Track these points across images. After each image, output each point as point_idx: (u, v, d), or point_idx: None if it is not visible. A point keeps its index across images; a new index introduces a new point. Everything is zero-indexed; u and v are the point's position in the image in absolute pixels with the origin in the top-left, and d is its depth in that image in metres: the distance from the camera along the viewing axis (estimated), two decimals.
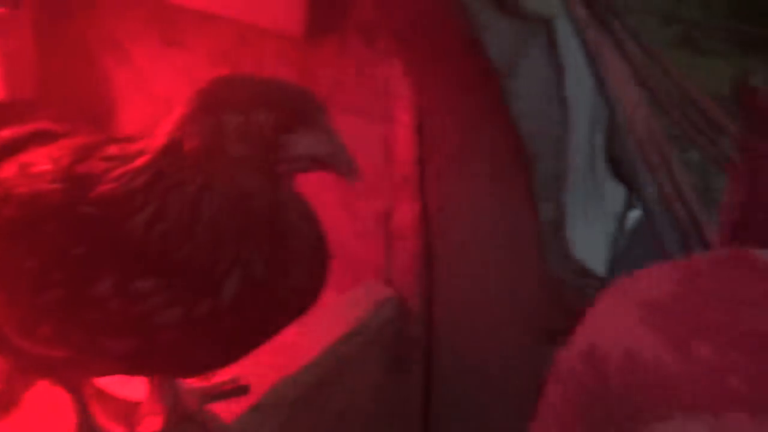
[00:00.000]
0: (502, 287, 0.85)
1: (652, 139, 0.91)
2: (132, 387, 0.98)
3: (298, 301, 0.50)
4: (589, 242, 0.88)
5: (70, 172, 0.47)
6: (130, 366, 0.49)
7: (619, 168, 0.92)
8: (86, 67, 1.33)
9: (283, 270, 0.46)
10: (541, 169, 0.74)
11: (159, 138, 0.44)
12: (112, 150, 0.47)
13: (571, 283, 0.80)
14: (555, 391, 0.51)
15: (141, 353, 0.45)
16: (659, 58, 1.26)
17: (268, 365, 0.77)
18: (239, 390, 0.72)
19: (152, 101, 1.24)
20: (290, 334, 0.84)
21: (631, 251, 0.92)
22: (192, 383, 0.71)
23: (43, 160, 0.49)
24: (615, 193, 1.06)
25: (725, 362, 0.37)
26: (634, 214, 1.06)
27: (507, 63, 0.62)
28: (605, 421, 0.46)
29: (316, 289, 0.51)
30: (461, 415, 0.97)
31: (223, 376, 0.74)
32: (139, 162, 0.44)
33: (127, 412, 0.85)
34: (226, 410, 0.70)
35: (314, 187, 1.03)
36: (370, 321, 0.90)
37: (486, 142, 0.71)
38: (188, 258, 0.43)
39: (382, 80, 0.86)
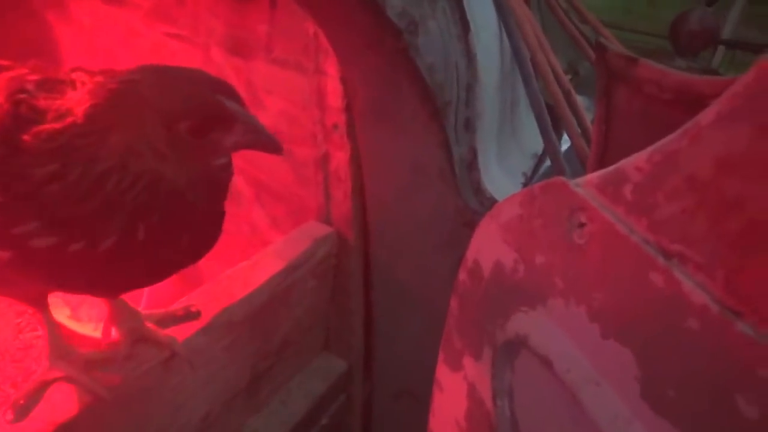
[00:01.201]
0: (426, 218, 0.95)
1: (558, 81, 1.00)
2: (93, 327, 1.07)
3: (175, 262, 0.58)
4: (502, 178, 0.99)
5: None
6: (19, 275, 0.56)
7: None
8: (28, 23, 1.34)
9: (166, 238, 0.53)
10: (452, 115, 0.84)
11: (83, 113, 0.49)
12: (41, 102, 0.53)
13: (483, 213, 0.91)
14: (454, 303, 0.63)
15: (17, 264, 0.53)
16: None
17: (218, 294, 0.86)
18: (191, 315, 0.81)
19: (94, 55, 1.28)
20: (240, 268, 0.94)
21: None
22: (149, 310, 0.80)
23: None
24: (536, 134, 1.16)
25: (552, 267, 0.47)
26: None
27: (409, 21, 0.70)
28: (487, 320, 0.57)
29: (195, 253, 0.59)
30: (398, 335, 1.09)
31: (177, 304, 0.83)
32: (60, 125, 0.50)
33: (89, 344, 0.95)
34: (179, 333, 0.80)
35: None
36: (311, 255, 1.00)
37: (400, 92, 0.79)
38: (73, 215, 0.50)
39: (311, 35, 0.92)
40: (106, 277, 0.55)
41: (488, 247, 0.56)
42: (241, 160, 1.15)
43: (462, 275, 0.61)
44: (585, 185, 0.43)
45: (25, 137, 0.51)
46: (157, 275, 0.59)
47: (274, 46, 1.03)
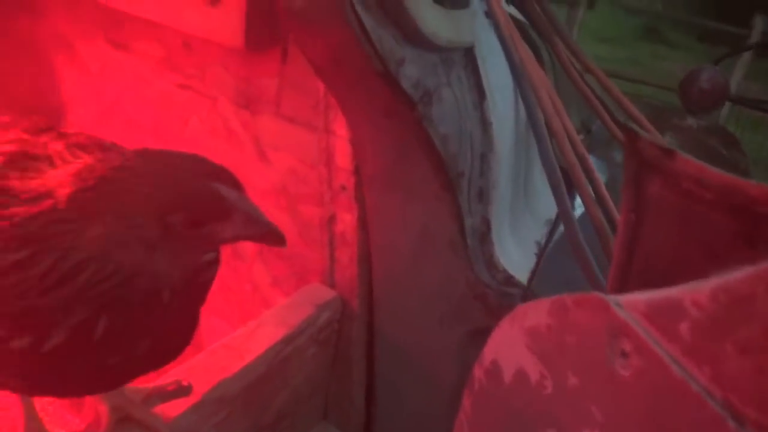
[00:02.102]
0: (434, 290, 0.91)
1: (572, 145, 0.97)
2: None
3: (128, 370, 0.53)
4: (515, 250, 0.94)
5: None
6: None
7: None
8: (35, 65, 1.33)
9: (124, 341, 0.49)
10: (465, 185, 0.80)
11: (65, 198, 0.45)
12: (13, 182, 0.48)
13: (495, 288, 0.86)
14: (467, 401, 0.58)
15: None
16: (582, 58, 1.34)
17: (211, 367, 0.81)
18: (182, 391, 0.76)
19: (100, 101, 1.26)
20: (235, 336, 0.89)
21: (556, 258, 0.98)
22: (136, 385, 0.75)
23: None
24: (550, 200, 1.13)
25: (588, 394, 0.43)
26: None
27: (424, 92, 0.67)
28: (502, 428, 0.52)
29: (157, 362, 0.54)
30: (400, 409, 1.03)
31: (166, 378, 0.78)
32: (35, 209, 0.46)
33: (80, 406, 0.89)
34: (169, 410, 0.74)
35: (260, 193, 1.08)
36: (313, 322, 0.95)
37: (411, 160, 0.76)
38: (30, 308, 0.45)
39: (322, 93, 0.90)
40: (48, 380, 0.50)
41: (510, 350, 0.51)
42: None
43: (478, 372, 0.56)
44: (629, 308, 0.38)
45: None
46: (106, 383, 0.54)
47: (284, 102, 1.00)
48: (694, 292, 0.35)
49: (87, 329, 0.46)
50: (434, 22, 0.66)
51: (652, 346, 0.37)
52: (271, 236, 0.48)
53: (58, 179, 0.47)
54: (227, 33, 0.92)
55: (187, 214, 0.45)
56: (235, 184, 0.48)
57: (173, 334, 0.53)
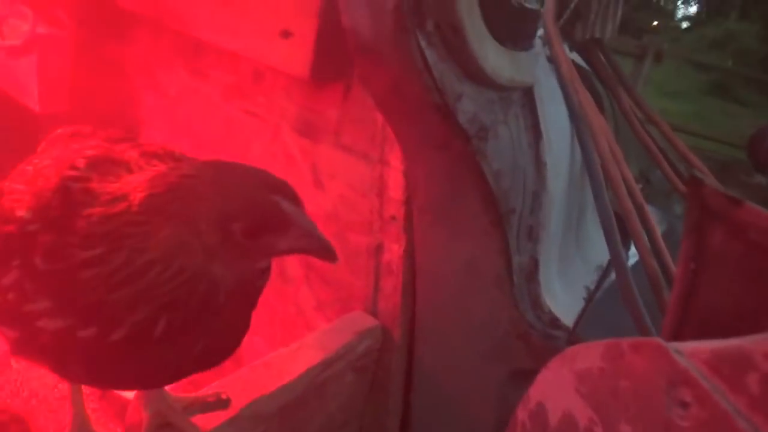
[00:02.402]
0: (477, 326, 0.90)
1: (630, 193, 0.95)
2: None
3: (183, 367, 0.55)
4: (562, 292, 0.93)
5: (47, 184, 0.53)
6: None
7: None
8: (118, 87, 1.43)
9: (182, 340, 0.51)
10: (515, 222, 0.80)
11: (139, 202, 0.48)
12: (94, 185, 0.52)
13: (540, 329, 0.85)
14: None
15: (22, 344, 0.51)
16: (645, 108, 1.32)
17: (250, 383, 0.83)
18: (221, 403, 0.78)
19: (173, 123, 1.34)
20: (276, 356, 0.90)
21: (604, 305, 0.96)
22: (177, 394, 0.77)
23: (39, 162, 0.56)
24: (602, 247, 1.10)
25: None
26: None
27: (480, 127, 0.68)
28: None
29: (209, 362, 0.56)
30: None
31: (207, 390, 0.80)
32: (112, 210, 0.49)
33: (123, 411, 0.92)
34: (206, 421, 0.76)
35: (310, 215, 1.11)
36: (352, 348, 0.96)
37: (463, 194, 0.77)
38: (99, 302, 0.48)
39: (379, 125, 0.93)
40: (107, 370, 0.53)
41: (557, 393, 0.50)
42: None
43: (522, 414, 0.55)
44: (691, 356, 0.37)
45: (76, 220, 0.50)
46: (162, 378, 0.56)
47: (343, 132, 1.04)
48: (764, 344, 0.34)
49: (148, 327, 0.49)
50: (496, 61, 0.68)
51: (715, 397, 0.35)
52: (324, 251, 0.50)
53: (134, 184, 0.50)
54: (295, 64, 0.97)
55: (246, 224, 0.48)
56: (295, 199, 0.50)
57: (226, 336, 0.56)
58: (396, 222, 0.94)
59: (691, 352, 0.38)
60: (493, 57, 0.64)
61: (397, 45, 0.58)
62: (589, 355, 0.47)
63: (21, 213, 0.52)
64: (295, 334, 1.18)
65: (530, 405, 0.53)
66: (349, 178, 1.03)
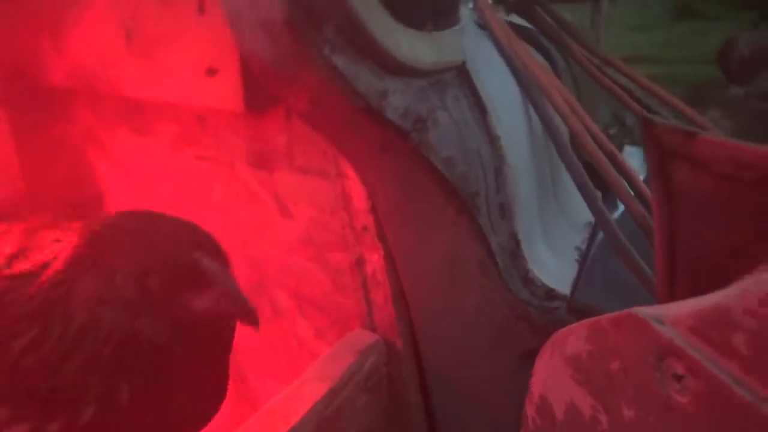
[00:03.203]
0: (474, 317, 0.87)
1: (597, 143, 0.92)
2: None
3: (173, 427, 0.52)
4: (552, 260, 0.89)
5: None
6: None
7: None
8: (69, 163, 1.40)
9: (155, 400, 0.48)
10: (483, 204, 0.76)
11: (63, 258, 0.46)
12: (20, 265, 0.49)
13: (537, 305, 0.81)
14: None
15: None
16: (597, 51, 1.28)
17: (257, 429, 0.79)
18: None
19: (131, 186, 1.31)
20: (279, 399, 0.87)
21: (601, 262, 0.92)
22: None
23: None
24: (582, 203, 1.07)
25: (648, 427, 0.38)
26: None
27: (416, 119, 0.65)
28: None
29: (197, 416, 0.54)
30: None
31: None
32: (35, 282, 0.46)
33: None
34: None
35: (288, 248, 1.08)
36: (357, 369, 0.93)
37: (421, 190, 0.73)
38: (51, 388, 0.46)
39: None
40: None
41: (556, 383, 0.47)
42: (280, 273, 1.11)
43: (530, 410, 0.51)
44: (673, 323, 0.34)
45: (5, 311, 0.47)
46: None
47: (295, 155, 1.01)
48: (742, 299, 0.31)
49: (112, 398, 0.46)
50: (413, 48, 0.64)
51: (706, 365, 0.32)
52: (245, 314, 0.47)
53: (58, 248, 0.48)
54: (229, 99, 0.94)
55: (163, 279, 0.45)
56: (219, 256, 0.47)
57: (204, 385, 0.53)
58: (368, 231, 0.91)
59: (674, 319, 0.35)
60: (408, 45, 0.61)
61: (301, 59, 0.54)
62: (575, 339, 0.44)
63: None
64: (304, 368, 1.15)
65: (534, 399, 0.50)
66: (313, 200, 1.00)
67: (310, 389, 0.86)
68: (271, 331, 1.14)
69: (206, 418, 0.55)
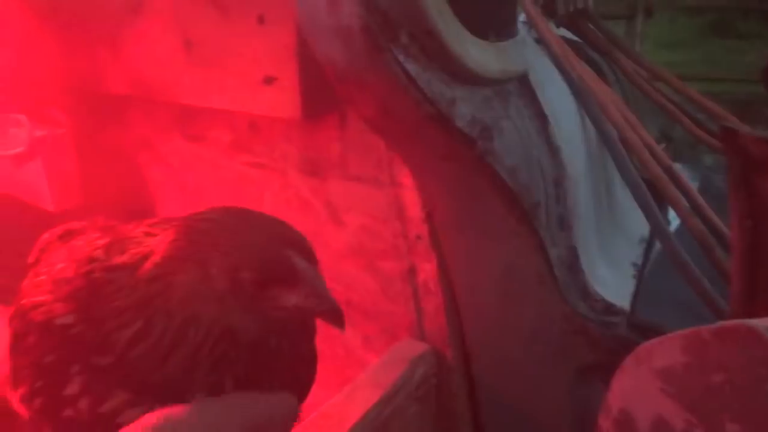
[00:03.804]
0: (530, 330, 0.86)
1: (654, 156, 0.91)
2: None
3: None
4: (610, 274, 0.88)
5: (71, 285, 0.51)
6: None
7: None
8: (124, 170, 1.44)
9: (256, 387, 0.48)
10: (543, 215, 0.76)
11: (162, 251, 0.46)
12: (118, 258, 0.50)
13: (595, 319, 0.80)
14: None
15: None
16: (647, 65, 1.27)
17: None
18: None
19: (183, 193, 1.34)
20: (332, 404, 0.87)
21: (658, 278, 0.91)
22: None
23: (49, 269, 0.55)
24: (639, 217, 1.05)
25: None
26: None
27: (482, 128, 0.65)
28: None
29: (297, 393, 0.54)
30: None
31: None
32: (136, 276, 0.47)
33: None
34: None
35: (338, 256, 1.08)
36: (408, 378, 0.92)
37: (482, 198, 0.73)
38: (159, 380, 0.46)
39: (383, 148, 0.90)
40: None
41: (641, 397, 0.46)
42: (329, 281, 1.12)
43: (605, 423, 0.50)
44: None
45: (105, 303, 0.48)
46: None
47: (349, 163, 1.02)
48: None
49: (217, 388, 0.46)
50: (481, 56, 0.65)
51: None
52: (331, 315, 0.47)
53: (155, 242, 0.48)
54: (285, 107, 0.96)
55: (254, 274, 0.45)
56: (309, 255, 0.47)
57: (298, 372, 0.54)
58: (422, 241, 0.91)
59: None
60: (477, 53, 0.62)
61: (375, 65, 0.55)
62: (667, 350, 0.43)
63: (60, 321, 0.50)
64: (350, 375, 1.15)
65: (613, 413, 0.49)
66: (365, 208, 1.01)
67: (363, 395, 0.86)
68: (318, 337, 1.14)
69: (302, 399, 0.56)
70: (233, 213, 0.49)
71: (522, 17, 0.93)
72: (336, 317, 0.47)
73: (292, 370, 0.52)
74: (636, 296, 0.82)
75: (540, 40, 0.91)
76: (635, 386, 0.44)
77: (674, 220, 1.02)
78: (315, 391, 1.21)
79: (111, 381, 0.47)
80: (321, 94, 0.93)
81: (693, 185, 0.95)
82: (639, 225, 1.01)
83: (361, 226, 1.03)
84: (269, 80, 0.98)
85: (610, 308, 0.79)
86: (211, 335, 0.45)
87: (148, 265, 0.46)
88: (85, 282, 0.50)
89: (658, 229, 0.80)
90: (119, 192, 1.45)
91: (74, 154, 1.42)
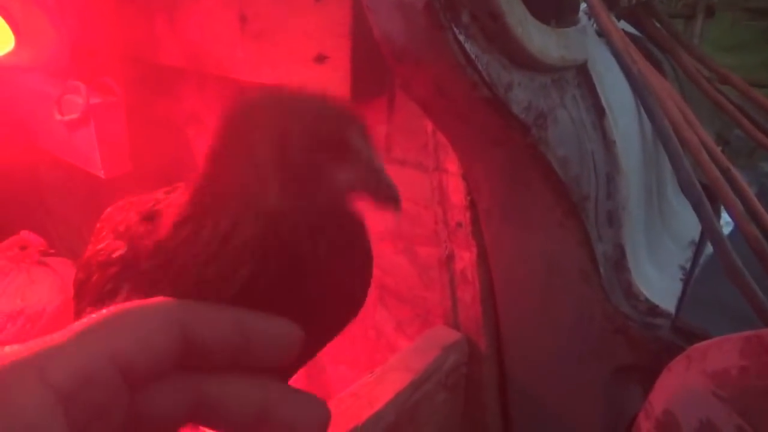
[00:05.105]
0: (569, 326, 0.84)
1: (712, 157, 0.88)
2: None
3: (308, 315, 0.45)
4: (656, 275, 0.85)
5: (130, 230, 0.50)
6: None
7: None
8: (172, 141, 1.47)
9: (295, 289, 0.41)
10: (592, 209, 0.74)
11: (207, 154, 0.41)
12: (172, 200, 0.48)
13: (638, 320, 0.78)
14: None
15: None
16: (712, 64, 1.22)
17: (340, 415, 0.80)
18: None
19: None
20: (363, 384, 0.88)
21: (705, 282, 0.88)
22: None
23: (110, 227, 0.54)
24: (689, 220, 1.02)
25: None
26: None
27: (538, 115, 0.64)
28: None
29: (338, 311, 0.46)
30: None
31: None
32: (189, 192, 0.42)
33: None
34: None
35: (377, 238, 1.08)
36: (440, 365, 0.92)
37: (530, 188, 0.72)
38: (196, 288, 0.40)
39: (429, 132, 0.89)
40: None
41: (688, 398, 0.45)
42: None
43: (646, 425, 0.49)
44: None
45: (160, 225, 0.43)
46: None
47: (393, 146, 1.01)
48: None
49: (254, 279, 0.38)
50: (542, 42, 0.63)
51: None
52: (385, 195, 0.40)
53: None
54: (335, 86, 0.96)
55: (303, 145, 0.38)
56: (367, 137, 0.40)
57: (340, 286, 0.43)
58: (463, 228, 0.90)
59: None
60: (539, 38, 0.60)
61: (435, 44, 0.54)
62: (723, 353, 0.41)
63: (117, 254, 0.49)
64: (380, 359, 1.15)
65: (655, 413, 0.48)
66: (407, 192, 1.00)
67: (393, 378, 0.86)
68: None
69: (341, 326, 0.48)
70: (281, 90, 0.41)
71: (584, 7, 0.90)
72: (391, 199, 0.40)
73: (337, 286, 0.42)
74: (682, 300, 0.79)
75: (601, 32, 0.89)
76: (684, 387, 0.43)
77: (726, 226, 0.98)
78: (343, 371, 1.23)
79: (153, 289, 0.40)
80: (371, 75, 0.92)
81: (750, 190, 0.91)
82: (689, 227, 0.98)
83: (402, 210, 1.02)
84: (321, 58, 0.98)
85: (654, 310, 0.76)
86: (254, 235, 0.38)
87: (197, 181, 0.41)
88: (141, 219, 0.49)
89: (711, 232, 0.77)
90: (166, 163, 1.48)
91: (125, 123, 1.45)
